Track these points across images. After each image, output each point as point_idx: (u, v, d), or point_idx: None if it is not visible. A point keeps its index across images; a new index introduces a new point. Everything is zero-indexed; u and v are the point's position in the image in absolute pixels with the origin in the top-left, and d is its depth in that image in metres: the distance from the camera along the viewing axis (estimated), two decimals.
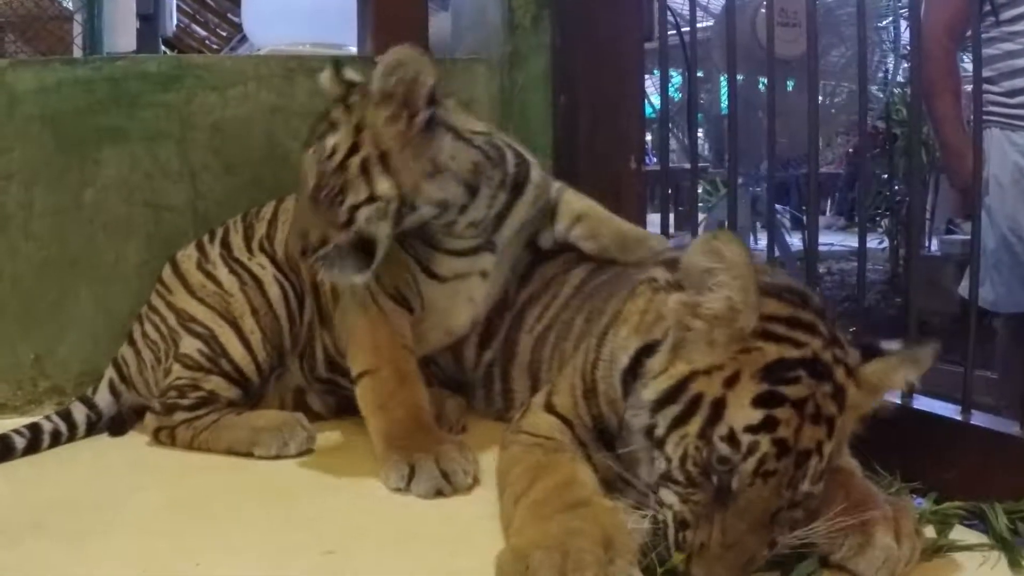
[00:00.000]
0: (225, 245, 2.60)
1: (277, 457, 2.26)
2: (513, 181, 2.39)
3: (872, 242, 8.02)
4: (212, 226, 2.75)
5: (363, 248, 2.18)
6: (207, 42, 10.55)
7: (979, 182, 2.30)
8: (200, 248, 2.63)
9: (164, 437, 2.39)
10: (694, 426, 1.58)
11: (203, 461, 2.32)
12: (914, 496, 1.98)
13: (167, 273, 2.61)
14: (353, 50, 3.77)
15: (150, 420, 2.43)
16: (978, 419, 2.11)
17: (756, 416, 1.54)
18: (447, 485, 2.03)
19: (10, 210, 2.78)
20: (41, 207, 2.79)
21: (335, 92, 2.29)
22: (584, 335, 2.18)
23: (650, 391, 1.67)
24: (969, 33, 3.75)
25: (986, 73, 3.81)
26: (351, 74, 2.32)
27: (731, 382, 1.58)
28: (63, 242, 2.80)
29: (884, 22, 8.01)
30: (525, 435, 1.95)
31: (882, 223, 8.69)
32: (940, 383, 2.26)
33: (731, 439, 1.54)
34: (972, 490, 1.89)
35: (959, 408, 2.15)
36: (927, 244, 7.94)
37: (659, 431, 1.63)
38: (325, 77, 2.33)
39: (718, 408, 1.57)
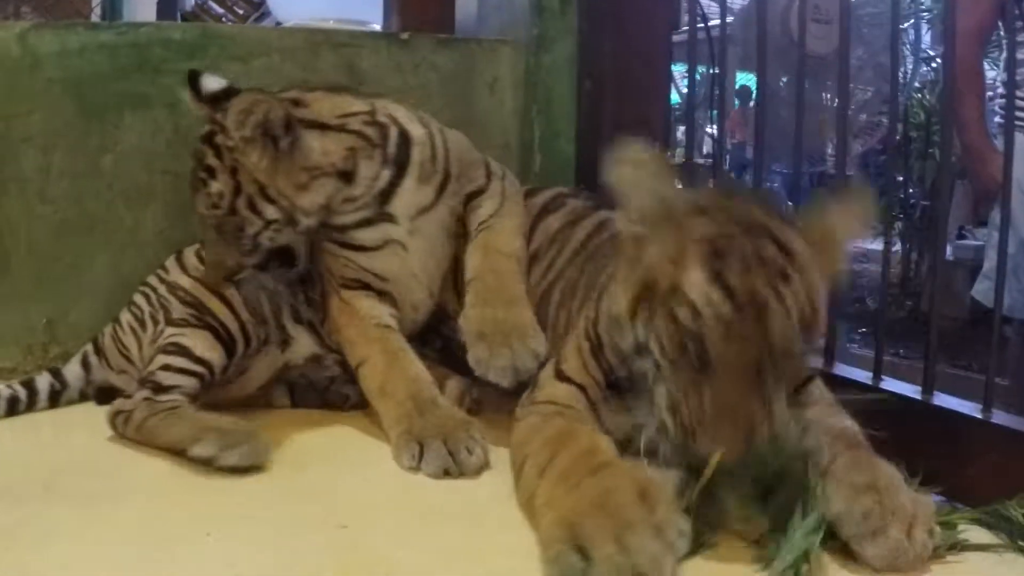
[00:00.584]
0: None
1: (210, 461, 2.01)
2: (395, 160, 2.40)
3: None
4: None
5: (281, 253, 2.41)
6: (224, 20, 10.49)
7: (1009, 186, 2.27)
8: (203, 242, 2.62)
9: (120, 423, 2.24)
10: (660, 313, 1.68)
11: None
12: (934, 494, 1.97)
13: (169, 259, 2.61)
14: (376, 27, 3.75)
15: (114, 404, 2.30)
16: (999, 418, 2.10)
17: (705, 277, 1.63)
18: (454, 466, 2.03)
19: (28, 173, 2.75)
20: (60, 171, 2.76)
21: (199, 111, 2.37)
22: (587, 296, 2.20)
23: (622, 299, 1.79)
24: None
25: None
26: (210, 84, 2.38)
27: (678, 260, 1.67)
28: (81, 207, 2.78)
29: (905, 24, 8.00)
30: (543, 404, 1.98)
31: (896, 225, 8.65)
32: (953, 388, 2.26)
33: (692, 308, 1.62)
34: (992, 488, 1.87)
35: (980, 407, 2.13)
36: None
37: (640, 337, 1.73)
38: (186, 97, 2.40)
39: (674, 287, 1.66)
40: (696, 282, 1.63)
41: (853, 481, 1.65)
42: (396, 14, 3.22)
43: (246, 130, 2.21)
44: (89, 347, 2.61)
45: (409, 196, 2.41)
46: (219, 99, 2.31)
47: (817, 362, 1.90)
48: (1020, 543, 1.74)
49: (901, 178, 7.98)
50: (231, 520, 1.79)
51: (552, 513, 1.60)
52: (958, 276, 6.47)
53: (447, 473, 2.03)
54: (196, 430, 2.08)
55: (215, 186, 2.26)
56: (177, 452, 2.07)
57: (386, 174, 2.38)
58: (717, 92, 3.92)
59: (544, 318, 2.40)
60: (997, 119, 4.03)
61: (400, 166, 2.39)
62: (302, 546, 1.69)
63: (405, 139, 2.41)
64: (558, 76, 3.12)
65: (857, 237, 1.81)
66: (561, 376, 2.04)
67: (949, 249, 7.95)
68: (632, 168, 1.78)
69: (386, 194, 2.38)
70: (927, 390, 2.20)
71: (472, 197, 2.53)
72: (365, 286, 2.43)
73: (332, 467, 2.12)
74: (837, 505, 1.64)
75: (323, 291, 2.49)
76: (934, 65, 7.76)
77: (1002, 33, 4.05)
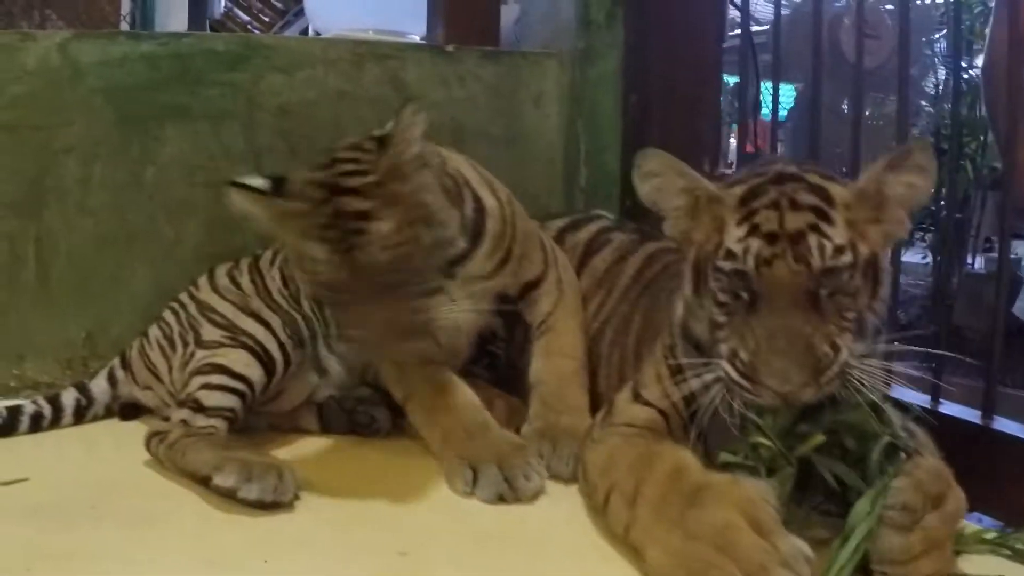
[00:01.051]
0: (255, 258, 2.56)
1: (232, 492, 1.90)
2: (472, 229, 2.26)
3: (916, 256, 7.91)
4: None
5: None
6: (249, 27, 10.52)
7: None
8: (236, 261, 2.58)
9: (155, 444, 2.13)
10: (711, 275, 1.77)
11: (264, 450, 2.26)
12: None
13: (201, 277, 2.56)
14: (415, 37, 3.73)
15: (149, 424, 2.26)
16: None
17: (741, 231, 1.72)
18: (510, 492, 1.97)
19: (68, 184, 2.73)
20: (100, 182, 2.74)
21: (256, 204, 2.11)
22: (647, 327, 2.21)
23: (688, 286, 1.86)
24: None
25: None
26: (256, 182, 2.12)
27: (720, 229, 1.77)
28: (121, 219, 2.75)
29: (936, 36, 7.94)
30: (623, 427, 1.92)
31: (925, 237, 8.58)
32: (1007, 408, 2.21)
33: (728, 254, 1.72)
34: None
35: None
36: (971, 262, 7.82)
37: (706, 303, 1.79)
38: (240, 201, 2.13)
39: (718, 247, 1.76)
40: (734, 238, 1.72)
41: (922, 481, 1.57)
42: (441, 26, 3.18)
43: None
44: (116, 361, 2.56)
45: (472, 264, 2.28)
46: (279, 184, 2.09)
47: None
48: None
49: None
50: (288, 545, 1.75)
51: (661, 555, 1.54)
52: (991, 290, 6.40)
53: (502, 499, 1.97)
54: (220, 459, 1.97)
55: (382, 226, 1.96)
56: (200, 480, 1.98)
57: (462, 244, 2.21)
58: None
59: (598, 354, 2.39)
60: None
61: (476, 236, 2.27)
62: (359, 573, 1.65)
63: (480, 207, 2.29)
64: (604, 90, 3.08)
65: (917, 195, 1.78)
66: (640, 400, 1.97)
67: (980, 262, 7.88)
68: (653, 178, 1.88)
69: (453, 262, 2.21)
70: (987, 415, 2.14)
71: (529, 287, 2.43)
72: None
73: (390, 486, 2.06)
74: (894, 492, 1.56)
75: None
76: (966, 76, 7.68)
77: None
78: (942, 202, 8.29)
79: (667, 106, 3.01)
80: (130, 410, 2.51)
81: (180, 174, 2.77)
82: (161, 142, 2.76)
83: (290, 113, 2.81)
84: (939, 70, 7.76)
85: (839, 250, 1.67)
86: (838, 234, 1.68)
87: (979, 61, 5.11)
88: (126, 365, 2.54)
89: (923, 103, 8.01)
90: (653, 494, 1.63)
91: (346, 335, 2.09)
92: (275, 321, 2.36)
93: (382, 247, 1.96)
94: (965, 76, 7.62)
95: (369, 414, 2.43)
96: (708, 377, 1.74)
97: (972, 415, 2.22)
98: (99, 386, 2.53)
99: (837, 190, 1.74)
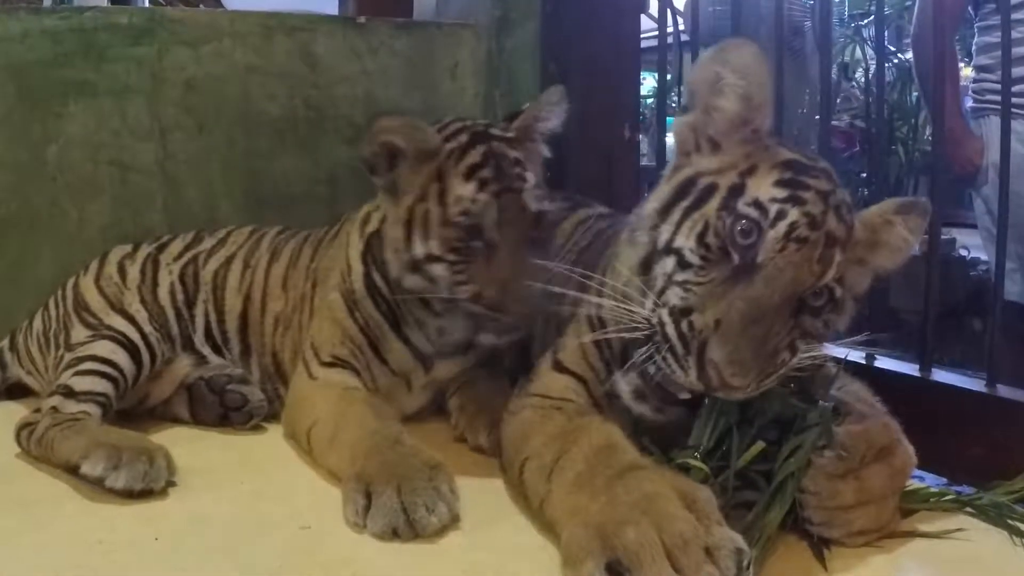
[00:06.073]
0: (160, 248, 2.49)
1: (99, 481, 1.79)
2: None
3: None
4: (181, 188, 2.71)
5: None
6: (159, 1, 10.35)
7: (1007, 177, 2.26)
8: (136, 247, 2.51)
9: (25, 437, 2.03)
10: (712, 204, 1.58)
11: (159, 429, 2.23)
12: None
13: (94, 261, 2.48)
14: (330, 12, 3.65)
15: (21, 418, 2.13)
16: (1004, 392, 2.03)
17: (781, 192, 1.55)
18: (406, 525, 1.61)
19: None
20: (0, 163, 2.64)
21: (413, 137, 2.02)
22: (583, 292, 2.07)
23: (652, 203, 1.67)
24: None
25: (985, 61, 3.76)
26: None
27: (749, 173, 1.59)
28: (23, 200, 2.66)
29: (864, 22, 7.96)
30: (538, 398, 1.83)
31: None
32: None
33: (757, 204, 1.53)
34: (1000, 466, 1.79)
35: (984, 381, 2.07)
36: None
37: (665, 234, 1.61)
38: (392, 127, 2.02)
39: (737, 189, 1.57)
40: (770, 193, 1.55)
41: (860, 431, 1.55)
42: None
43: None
44: (5, 343, 2.51)
45: None
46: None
47: None
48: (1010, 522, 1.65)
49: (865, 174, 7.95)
50: (183, 522, 1.69)
51: (577, 526, 1.38)
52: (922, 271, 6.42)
53: (396, 533, 1.61)
54: (88, 445, 1.86)
55: (532, 177, 2.03)
56: (71, 469, 1.86)
57: None
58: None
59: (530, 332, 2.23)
60: (969, 103, 3.98)
61: None
62: (260, 549, 1.58)
63: None
64: (521, 59, 3.04)
65: (902, 256, 1.69)
66: (559, 367, 1.88)
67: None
68: (729, 58, 1.62)
69: None
70: (990, 383, 2.08)
71: None
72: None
73: (285, 472, 1.99)
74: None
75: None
76: (895, 61, 7.69)
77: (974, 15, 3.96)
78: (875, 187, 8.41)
79: (586, 74, 2.96)
80: (19, 390, 2.46)
81: (84, 153, 2.68)
82: (64, 120, 2.67)
83: (197, 88, 2.73)
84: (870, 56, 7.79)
85: (835, 291, 1.57)
86: (840, 271, 1.57)
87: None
88: (14, 347, 2.49)
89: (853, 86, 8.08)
90: (577, 467, 1.53)
91: (466, 288, 1.99)
92: (141, 315, 2.31)
93: (535, 197, 2.01)
94: (895, 60, 7.68)
95: (240, 393, 2.30)
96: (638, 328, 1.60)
97: (910, 368, 2.20)
98: None
99: (858, 227, 1.63)
